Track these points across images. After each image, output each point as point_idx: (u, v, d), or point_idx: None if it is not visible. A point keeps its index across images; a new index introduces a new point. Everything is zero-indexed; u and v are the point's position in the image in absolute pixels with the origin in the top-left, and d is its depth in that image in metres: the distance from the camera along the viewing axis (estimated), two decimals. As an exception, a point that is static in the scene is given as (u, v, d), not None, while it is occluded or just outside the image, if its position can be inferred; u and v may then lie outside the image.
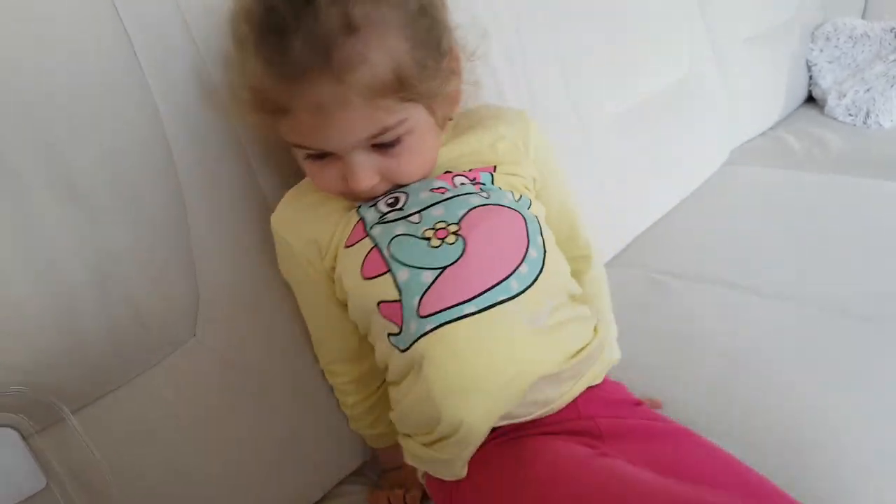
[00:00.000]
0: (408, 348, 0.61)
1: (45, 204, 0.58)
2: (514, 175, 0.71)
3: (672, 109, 1.39)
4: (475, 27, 0.66)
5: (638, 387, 0.91)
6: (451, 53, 0.63)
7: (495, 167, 0.70)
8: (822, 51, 1.92)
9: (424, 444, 0.65)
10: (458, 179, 0.68)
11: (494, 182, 0.69)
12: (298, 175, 0.70)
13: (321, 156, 0.61)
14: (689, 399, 0.89)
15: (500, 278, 0.62)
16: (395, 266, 0.62)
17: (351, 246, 0.65)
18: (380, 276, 0.62)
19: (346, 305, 0.68)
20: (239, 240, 0.71)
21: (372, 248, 0.63)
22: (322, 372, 0.79)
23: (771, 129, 1.79)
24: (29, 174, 0.57)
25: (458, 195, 0.65)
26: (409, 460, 0.69)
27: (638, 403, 0.74)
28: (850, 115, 1.78)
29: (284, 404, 0.78)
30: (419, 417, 0.63)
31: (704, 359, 0.95)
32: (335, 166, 0.62)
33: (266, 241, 0.71)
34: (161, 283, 0.65)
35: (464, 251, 0.61)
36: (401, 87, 0.56)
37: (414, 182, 0.67)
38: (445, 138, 0.71)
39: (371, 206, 0.66)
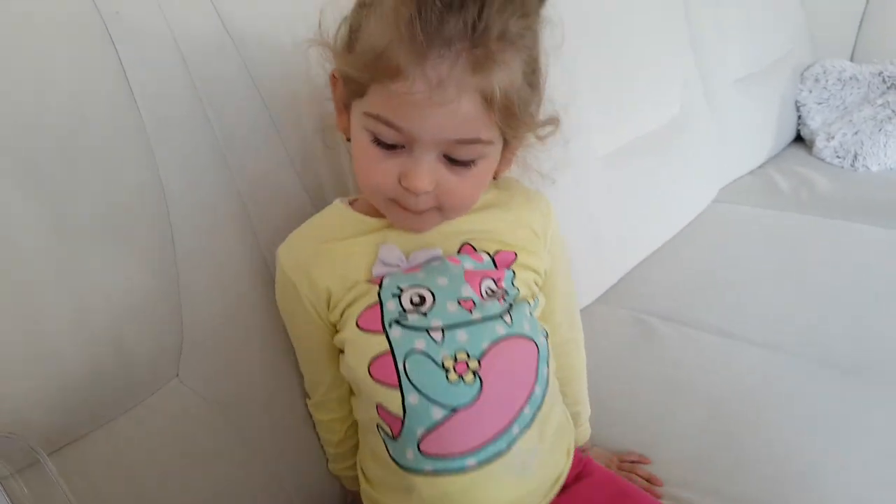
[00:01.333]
0: (400, 467, 0.65)
1: (34, 243, 0.58)
2: (530, 269, 0.71)
3: (662, 148, 1.40)
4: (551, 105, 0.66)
5: (624, 435, 0.91)
6: (541, 99, 0.64)
7: (516, 255, 0.69)
8: (811, 92, 1.94)
9: None
10: (486, 285, 0.66)
11: (515, 281, 0.68)
12: (294, 223, 0.69)
13: (390, 145, 0.59)
14: (675, 448, 0.89)
15: (504, 425, 0.64)
16: (406, 386, 0.62)
17: (364, 331, 0.64)
18: (388, 385, 0.63)
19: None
20: (227, 282, 0.71)
21: (386, 352, 0.62)
22: (305, 412, 0.79)
23: (759, 167, 1.81)
24: (18, 211, 0.57)
25: (485, 319, 0.64)
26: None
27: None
28: (838, 157, 1.80)
29: (265, 446, 0.76)
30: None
31: (690, 407, 0.95)
32: (397, 161, 0.59)
33: (254, 286, 0.71)
34: (146, 325, 0.65)
35: (478, 395, 0.62)
36: (507, 110, 0.57)
37: (457, 215, 0.66)
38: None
39: (394, 296, 0.64)
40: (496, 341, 0.63)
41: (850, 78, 1.94)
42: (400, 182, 0.59)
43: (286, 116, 0.76)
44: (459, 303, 0.64)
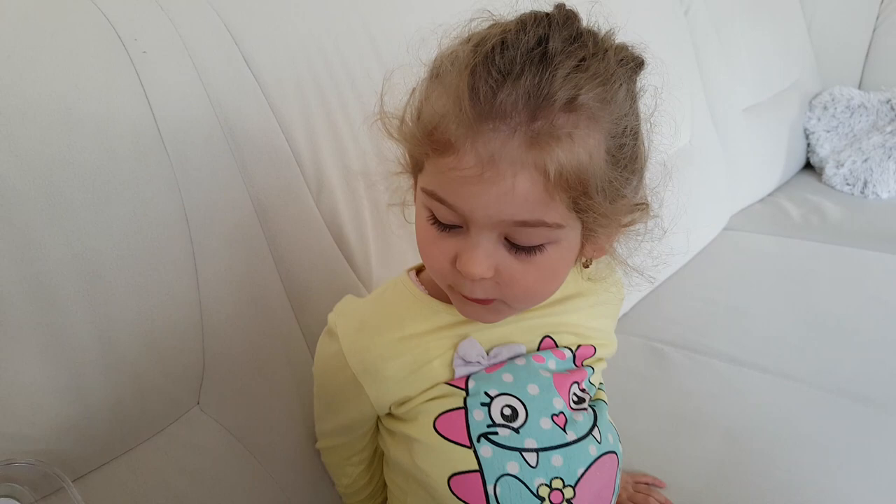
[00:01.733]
0: None
1: (62, 279, 0.59)
2: (603, 360, 0.68)
3: (673, 177, 1.41)
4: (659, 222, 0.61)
5: (638, 466, 0.91)
6: (635, 190, 0.57)
7: (595, 349, 0.67)
8: (819, 119, 1.96)
9: None
10: (573, 391, 0.63)
11: (593, 378, 0.66)
12: (313, 253, 0.70)
13: (448, 225, 0.54)
14: (689, 478, 0.89)
15: None
16: None
17: (446, 439, 0.59)
18: None
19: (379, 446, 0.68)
20: (248, 311, 0.72)
21: (475, 471, 0.58)
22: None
23: (770, 195, 1.82)
24: (48, 248, 0.58)
25: (579, 440, 0.61)
26: None
27: None
28: (848, 184, 1.80)
29: (283, 477, 0.77)
30: None
31: (704, 437, 0.95)
32: (454, 242, 0.54)
33: (275, 315, 0.72)
34: (169, 355, 0.66)
35: None
36: (580, 190, 0.50)
37: (525, 307, 0.61)
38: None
39: (482, 404, 0.59)
40: (589, 466, 0.60)
41: (859, 106, 1.95)
42: (455, 265, 0.54)
43: (304, 147, 0.78)
44: (553, 418, 0.60)
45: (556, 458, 0.59)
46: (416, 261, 0.64)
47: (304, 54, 0.79)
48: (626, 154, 0.53)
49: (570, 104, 0.48)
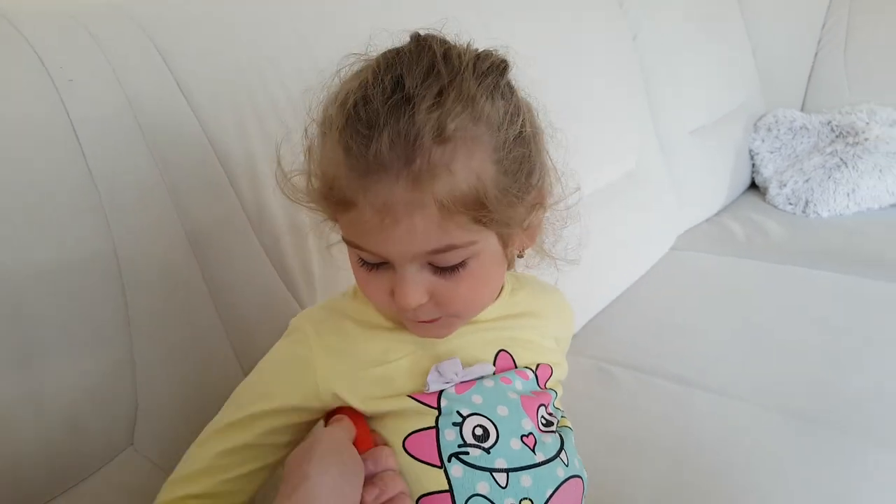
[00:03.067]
0: None
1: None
2: (558, 384, 0.69)
3: (620, 199, 1.44)
4: (572, 179, 0.64)
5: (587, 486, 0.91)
6: (541, 190, 0.60)
7: (552, 369, 0.68)
8: (763, 140, 2.01)
9: None
10: (541, 414, 0.64)
11: (556, 402, 0.67)
12: (250, 286, 0.69)
13: (375, 264, 0.57)
14: (637, 498, 0.90)
15: None
16: None
17: (417, 460, 0.59)
18: None
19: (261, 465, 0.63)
20: (183, 350, 0.71)
21: (445, 491, 0.57)
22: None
23: (715, 215, 1.86)
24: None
25: (547, 461, 0.61)
26: None
27: None
28: (791, 203, 1.85)
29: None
30: None
31: (652, 457, 0.96)
32: (386, 277, 0.57)
33: (212, 352, 0.71)
34: (99, 395, 0.65)
35: None
36: (477, 208, 0.52)
37: (471, 316, 0.63)
38: (502, 300, 0.67)
39: (454, 424, 0.59)
40: (557, 488, 0.61)
41: (801, 127, 2.02)
42: (393, 297, 0.57)
43: (243, 176, 0.77)
44: (522, 439, 0.61)
45: (526, 478, 0.59)
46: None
47: (243, 80, 0.78)
48: (517, 158, 0.55)
49: (440, 137, 0.50)
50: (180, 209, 0.70)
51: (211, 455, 0.61)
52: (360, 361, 0.62)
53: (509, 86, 0.57)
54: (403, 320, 0.61)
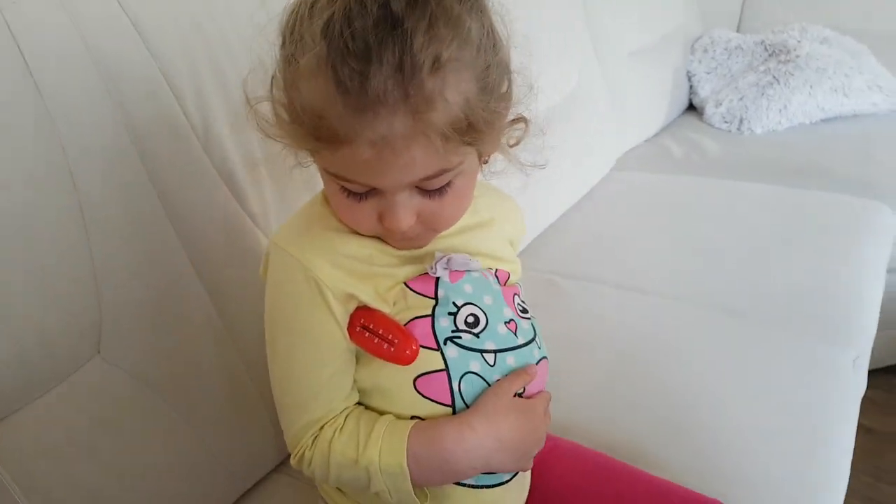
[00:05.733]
0: None
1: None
2: (516, 284, 0.73)
3: (561, 121, 1.48)
4: (525, 77, 0.62)
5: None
6: (507, 99, 0.59)
7: (509, 275, 0.71)
8: (700, 62, 2.07)
9: None
10: (517, 302, 0.69)
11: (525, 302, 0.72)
12: (202, 194, 0.71)
13: (362, 193, 0.57)
14: (579, 389, 0.97)
15: None
16: (459, 404, 0.62)
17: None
18: (438, 402, 0.62)
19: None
20: (141, 262, 0.73)
21: (441, 370, 0.62)
22: (237, 380, 0.82)
23: (655, 135, 1.93)
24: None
25: (527, 343, 0.67)
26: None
27: None
28: (726, 122, 1.93)
29: (197, 419, 0.79)
30: None
31: (594, 354, 1.04)
32: (372, 203, 0.57)
33: (170, 263, 0.74)
34: (61, 304, 0.66)
35: None
36: (468, 131, 0.53)
37: (449, 227, 0.64)
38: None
39: (450, 313, 0.63)
40: (535, 365, 0.67)
41: (736, 48, 2.08)
42: (380, 222, 0.58)
43: (187, 91, 0.78)
44: (506, 325, 0.66)
45: (510, 358, 0.65)
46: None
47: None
48: (495, 77, 0.55)
49: (437, 65, 0.49)
50: (129, 125, 0.71)
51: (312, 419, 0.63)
52: (352, 262, 0.62)
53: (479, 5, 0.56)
54: (383, 236, 0.62)
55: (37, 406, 0.68)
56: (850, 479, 0.92)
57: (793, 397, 0.96)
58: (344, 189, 0.57)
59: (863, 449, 1.12)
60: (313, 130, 0.52)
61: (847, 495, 0.90)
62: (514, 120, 0.62)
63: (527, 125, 0.64)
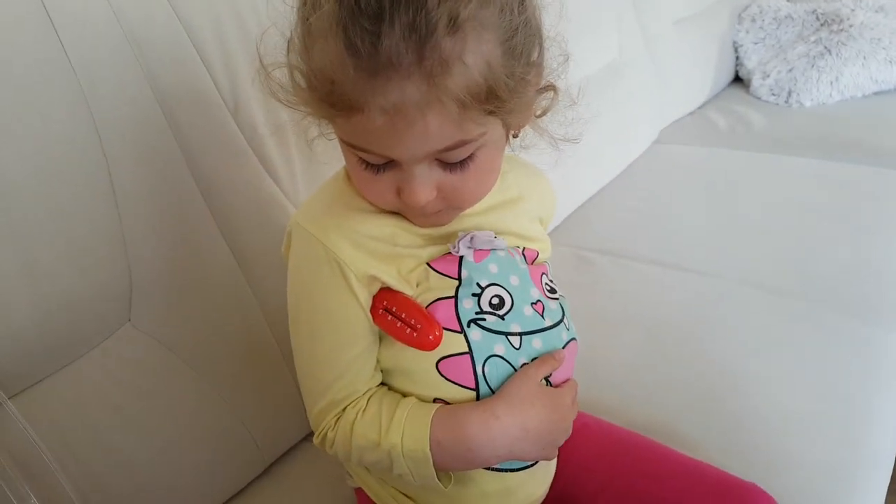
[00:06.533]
0: None
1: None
2: (544, 263, 0.71)
3: (603, 91, 1.44)
4: (559, 47, 0.59)
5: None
6: (538, 67, 0.56)
7: (537, 254, 0.69)
8: (748, 32, 2.00)
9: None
10: (545, 282, 0.67)
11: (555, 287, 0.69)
12: (231, 165, 0.70)
13: (380, 164, 0.54)
14: (613, 369, 0.95)
15: None
16: (484, 388, 0.60)
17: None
18: (461, 385, 0.60)
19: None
20: (171, 229, 0.73)
21: (464, 353, 0.60)
22: (264, 349, 0.82)
23: (699, 108, 1.87)
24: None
25: (554, 325, 0.65)
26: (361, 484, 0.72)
27: None
28: (773, 94, 1.86)
29: (222, 386, 0.80)
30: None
31: (627, 333, 1.02)
32: (391, 177, 0.55)
33: (199, 231, 0.73)
34: (92, 270, 0.67)
35: None
36: (489, 99, 0.50)
37: (473, 204, 0.61)
38: (496, 184, 0.64)
39: (473, 294, 0.61)
40: (562, 348, 0.65)
41: (786, 17, 2.00)
42: (399, 196, 0.56)
43: (217, 61, 0.77)
44: (533, 306, 0.63)
45: (537, 341, 0.63)
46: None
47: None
48: (522, 42, 0.52)
49: (452, 26, 0.46)
50: (158, 93, 0.71)
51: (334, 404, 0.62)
52: (375, 243, 0.60)
53: None
54: (403, 212, 0.60)
55: (69, 371, 0.69)
56: (894, 463, 0.89)
57: (834, 378, 0.92)
58: (362, 161, 0.55)
59: (908, 434, 1.08)
60: (326, 96, 0.50)
61: (892, 481, 0.87)
62: (543, 88, 0.58)
63: (556, 93, 0.60)
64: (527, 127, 0.61)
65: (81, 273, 0.66)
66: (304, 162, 0.87)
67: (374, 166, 0.54)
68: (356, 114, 0.49)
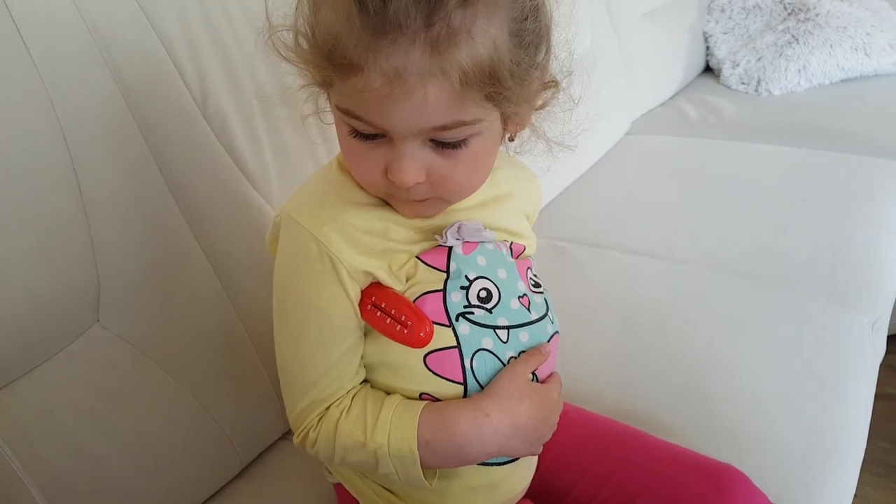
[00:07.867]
0: None
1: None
2: (529, 258, 0.71)
3: (574, 84, 1.44)
4: (564, 63, 0.60)
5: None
6: (544, 69, 0.56)
7: (524, 248, 0.69)
8: (717, 22, 2.02)
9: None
10: (529, 276, 0.67)
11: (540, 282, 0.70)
12: (200, 166, 0.69)
13: (370, 136, 0.53)
14: (587, 356, 0.96)
15: None
16: (471, 382, 0.60)
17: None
18: (449, 379, 0.60)
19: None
20: (140, 229, 0.72)
21: (452, 347, 0.59)
22: (236, 350, 0.81)
23: (670, 98, 1.88)
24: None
25: (540, 319, 0.65)
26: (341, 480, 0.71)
27: None
28: (743, 83, 1.88)
29: (194, 386, 0.79)
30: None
31: (601, 323, 1.02)
32: (381, 151, 0.54)
33: (169, 230, 0.72)
34: (59, 272, 0.66)
35: None
36: (491, 81, 0.49)
37: (461, 199, 0.61)
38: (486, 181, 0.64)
39: (461, 287, 0.60)
40: (548, 342, 0.65)
41: (754, 7, 2.02)
42: (386, 175, 0.54)
43: (185, 57, 0.76)
44: (519, 300, 0.63)
45: (523, 334, 0.63)
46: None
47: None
48: (530, 31, 0.52)
49: (464, 0, 0.46)
50: (125, 92, 0.70)
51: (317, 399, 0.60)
52: (367, 237, 0.59)
53: None
54: (390, 198, 0.59)
55: (37, 374, 0.68)
56: (867, 444, 0.90)
57: (808, 362, 0.93)
58: (353, 131, 0.53)
59: (882, 415, 1.09)
60: (329, 54, 0.49)
61: (865, 461, 0.88)
62: (545, 84, 0.58)
63: (557, 88, 0.60)
64: (523, 132, 0.61)
65: (48, 273, 0.65)
66: (276, 158, 0.86)
67: (365, 138, 0.53)
68: (355, 74, 0.48)
